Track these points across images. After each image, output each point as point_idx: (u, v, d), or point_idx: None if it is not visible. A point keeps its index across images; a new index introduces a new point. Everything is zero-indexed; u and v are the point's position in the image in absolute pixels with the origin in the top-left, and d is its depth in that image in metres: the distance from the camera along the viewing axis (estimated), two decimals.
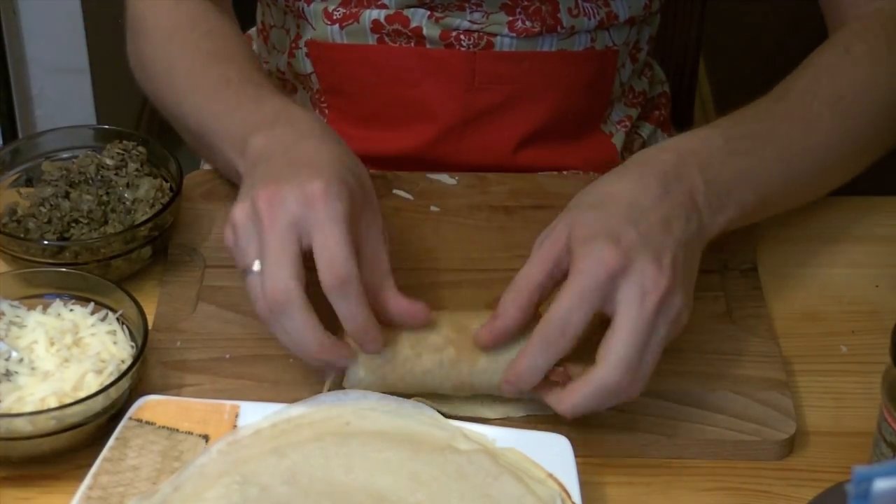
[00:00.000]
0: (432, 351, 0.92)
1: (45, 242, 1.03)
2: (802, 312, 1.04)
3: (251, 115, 1.01)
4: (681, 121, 1.47)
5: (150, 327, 0.95)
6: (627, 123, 1.32)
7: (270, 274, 0.88)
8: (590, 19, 1.22)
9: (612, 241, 0.89)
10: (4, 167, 1.09)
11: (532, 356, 0.88)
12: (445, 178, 1.16)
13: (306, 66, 1.26)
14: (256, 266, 0.89)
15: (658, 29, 1.34)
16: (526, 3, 1.20)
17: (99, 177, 1.08)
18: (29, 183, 1.10)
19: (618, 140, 1.30)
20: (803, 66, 1.09)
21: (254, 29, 1.41)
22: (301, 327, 0.88)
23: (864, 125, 1.07)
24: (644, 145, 1.34)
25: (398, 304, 0.92)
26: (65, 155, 1.11)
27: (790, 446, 0.93)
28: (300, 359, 0.92)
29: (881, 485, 0.61)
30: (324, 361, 0.91)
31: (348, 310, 0.89)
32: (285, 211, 0.89)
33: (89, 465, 0.87)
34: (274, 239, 0.88)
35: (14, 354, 0.93)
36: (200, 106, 1.07)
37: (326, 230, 0.88)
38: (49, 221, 1.04)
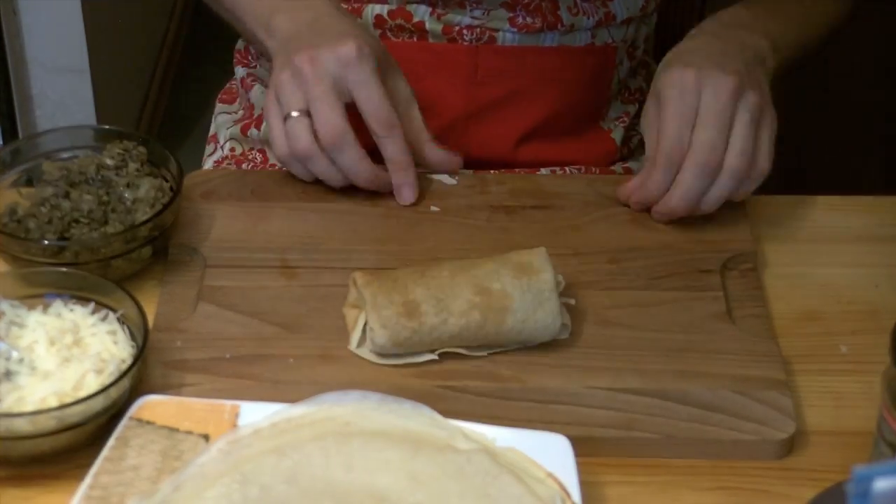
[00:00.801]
0: (458, 316, 0.96)
1: (46, 242, 1.03)
2: (802, 312, 1.04)
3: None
4: None
5: (150, 327, 0.95)
6: (626, 119, 1.33)
7: (324, 118, 1.06)
8: (589, 18, 1.23)
9: (683, 66, 1.07)
10: (5, 167, 1.09)
11: (658, 175, 1.07)
12: (445, 178, 1.16)
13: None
14: (296, 112, 1.06)
15: (656, 28, 1.35)
16: (526, 1, 1.21)
17: (99, 177, 1.08)
18: (29, 183, 1.10)
19: (617, 135, 1.31)
20: None
21: None
22: (356, 158, 1.08)
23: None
24: (642, 143, 1.34)
25: (434, 153, 1.13)
26: (65, 155, 1.11)
27: (790, 446, 0.93)
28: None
29: (881, 484, 0.61)
30: (375, 185, 1.10)
31: (394, 150, 1.09)
32: (326, 70, 1.06)
33: (89, 465, 0.87)
34: (320, 90, 1.06)
35: (14, 354, 0.93)
36: None
37: (368, 85, 1.07)
38: (49, 221, 1.04)
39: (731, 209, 1.13)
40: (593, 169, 1.28)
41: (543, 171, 1.26)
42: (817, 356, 1.01)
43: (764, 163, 1.08)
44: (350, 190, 1.13)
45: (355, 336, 0.99)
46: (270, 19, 1.13)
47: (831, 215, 1.15)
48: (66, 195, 1.06)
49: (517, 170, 1.25)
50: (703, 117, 1.05)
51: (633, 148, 1.34)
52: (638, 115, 1.35)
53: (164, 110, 2.63)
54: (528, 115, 1.26)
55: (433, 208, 1.13)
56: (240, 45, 1.39)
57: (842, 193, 1.17)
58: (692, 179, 1.06)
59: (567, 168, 1.27)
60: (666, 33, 1.44)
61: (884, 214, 1.15)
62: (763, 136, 1.08)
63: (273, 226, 1.11)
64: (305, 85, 1.06)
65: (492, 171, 1.21)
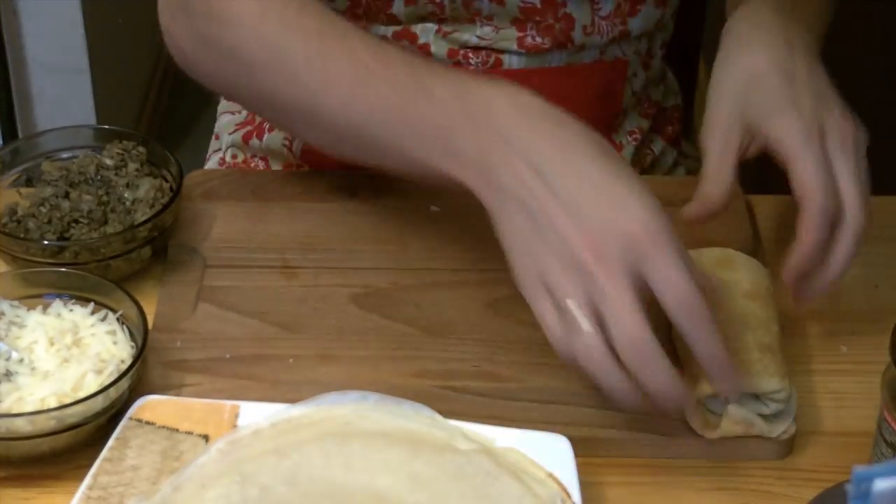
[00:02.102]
0: None
1: (46, 242, 1.03)
2: (802, 312, 1.04)
3: (435, 105, 0.92)
4: (686, 123, 1.47)
5: (150, 327, 0.95)
6: (638, 136, 1.30)
7: (622, 325, 0.84)
8: (603, 37, 1.21)
9: (790, 107, 1.01)
10: (4, 167, 1.09)
11: (813, 233, 0.98)
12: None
13: None
14: (573, 303, 0.84)
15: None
16: (538, 18, 1.19)
17: (99, 177, 1.08)
18: (29, 183, 1.10)
19: (627, 152, 1.29)
20: None
21: None
22: (666, 373, 0.85)
23: None
24: (655, 162, 1.33)
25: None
26: (65, 155, 1.11)
27: (790, 446, 0.93)
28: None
29: (881, 485, 0.61)
30: (680, 405, 0.88)
31: (710, 345, 0.86)
32: (616, 259, 0.84)
33: (89, 465, 0.87)
34: (613, 287, 0.84)
35: (14, 355, 0.93)
36: (349, 98, 0.96)
37: (673, 265, 0.85)
38: (49, 221, 1.04)
39: (730, 209, 1.13)
40: None
41: None
42: (817, 356, 1.01)
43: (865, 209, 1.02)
44: (350, 190, 1.13)
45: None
46: (454, 138, 0.91)
47: None
48: (66, 195, 1.06)
49: None
50: (840, 171, 1.00)
51: (645, 167, 1.31)
52: (652, 130, 1.33)
53: (164, 110, 2.63)
54: None
55: (433, 208, 1.13)
56: None
57: None
58: (848, 248, 0.99)
59: None
60: (683, 34, 1.42)
61: (884, 214, 1.15)
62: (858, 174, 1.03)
63: (273, 226, 1.11)
64: (593, 285, 0.84)
65: None
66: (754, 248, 1.09)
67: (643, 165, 1.32)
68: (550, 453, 0.87)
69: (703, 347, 0.86)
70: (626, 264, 0.84)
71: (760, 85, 1.03)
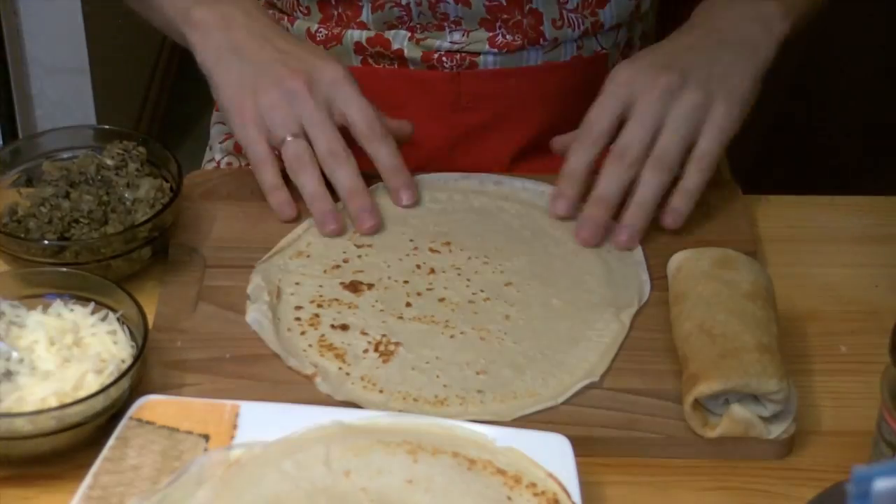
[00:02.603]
0: None
1: (46, 242, 1.03)
2: (802, 312, 1.04)
3: None
4: None
5: (150, 327, 0.95)
6: None
7: (327, 136, 1.09)
8: (574, 30, 1.21)
9: (627, 63, 1.11)
10: (5, 167, 1.09)
11: (572, 153, 1.09)
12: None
13: None
14: (290, 137, 1.09)
15: (656, 27, 1.33)
16: (506, 16, 1.19)
17: (99, 177, 1.08)
18: (29, 183, 1.10)
19: None
20: None
21: None
22: (354, 173, 1.09)
23: None
24: None
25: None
26: (65, 155, 1.11)
27: (790, 446, 0.93)
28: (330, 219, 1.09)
29: (881, 485, 0.61)
30: (362, 207, 1.09)
31: (388, 153, 1.10)
32: (319, 91, 1.10)
33: (89, 465, 0.87)
34: (318, 111, 1.09)
35: (15, 355, 0.93)
36: None
37: (358, 103, 1.10)
38: (49, 221, 1.04)
39: (730, 209, 1.13)
40: None
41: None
42: (817, 356, 1.01)
43: (706, 164, 1.09)
44: None
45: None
46: (190, 10, 1.15)
47: (831, 215, 1.15)
48: (66, 195, 1.06)
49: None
50: (631, 111, 1.08)
51: None
52: None
53: (164, 110, 2.64)
54: (516, 138, 1.24)
55: (431, 206, 1.13)
56: None
57: (842, 193, 1.17)
58: (609, 168, 1.08)
59: None
60: (664, 33, 1.43)
61: (884, 214, 1.15)
62: (703, 138, 1.08)
63: (273, 226, 1.11)
64: (302, 108, 1.09)
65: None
66: (754, 248, 1.09)
67: None
68: (550, 453, 0.87)
69: (382, 157, 1.11)
70: (327, 98, 1.10)
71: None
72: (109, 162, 1.08)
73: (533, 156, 1.26)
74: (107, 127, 1.14)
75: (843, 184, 1.23)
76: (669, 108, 1.08)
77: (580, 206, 1.10)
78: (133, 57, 2.52)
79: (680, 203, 1.08)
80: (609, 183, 1.08)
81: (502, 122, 1.24)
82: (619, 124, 1.09)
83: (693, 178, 1.08)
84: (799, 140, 2.10)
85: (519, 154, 1.26)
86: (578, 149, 1.09)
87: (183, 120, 2.55)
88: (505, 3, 1.18)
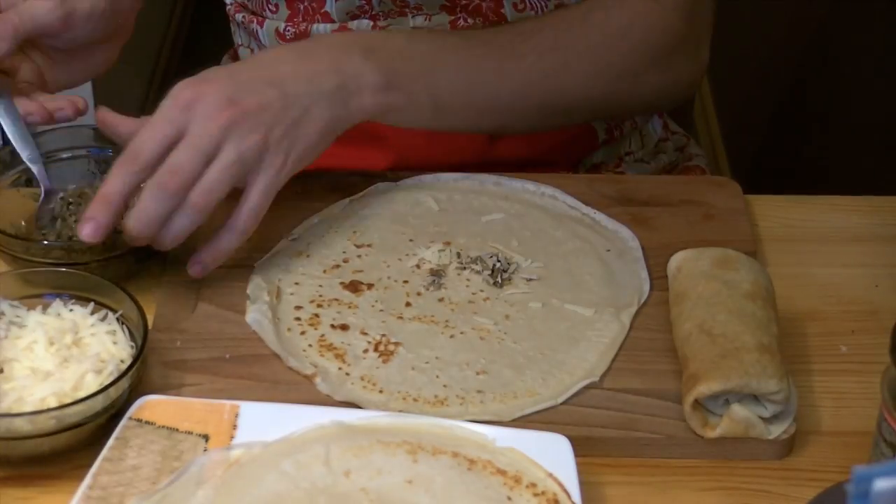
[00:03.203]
0: None
1: (46, 242, 1.03)
2: (802, 312, 1.04)
3: None
4: (680, 121, 1.47)
5: (150, 327, 0.95)
6: None
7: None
8: (537, 12, 1.19)
9: (190, 83, 1.01)
10: (5, 167, 1.09)
11: (113, 174, 0.98)
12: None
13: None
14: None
15: None
16: (465, 1, 1.18)
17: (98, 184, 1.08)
18: (29, 183, 1.10)
19: (598, 123, 1.28)
20: (540, 17, 1.13)
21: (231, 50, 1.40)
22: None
23: (569, 84, 1.12)
24: (636, 128, 1.32)
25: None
26: (64, 155, 1.11)
27: (790, 446, 0.93)
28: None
29: (881, 485, 0.61)
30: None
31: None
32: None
33: (89, 465, 0.87)
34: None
35: None
36: None
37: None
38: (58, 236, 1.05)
39: (730, 209, 1.13)
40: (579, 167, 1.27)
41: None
42: (817, 356, 1.01)
43: (246, 215, 1.01)
44: (349, 190, 1.14)
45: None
46: None
47: (831, 215, 1.15)
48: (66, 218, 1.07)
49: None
50: (183, 139, 0.99)
51: (616, 136, 1.30)
52: None
53: None
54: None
55: (433, 204, 1.13)
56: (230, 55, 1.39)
57: (842, 193, 1.17)
58: (148, 197, 0.97)
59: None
60: None
61: (884, 214, 1.15)
62: (255, 185, 1.01)
63: (273, 226, 1.10)
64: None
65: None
66: (754, 248, 1.09)
67: (621, 130, 1.30)
68: (550, 453, 0.87)
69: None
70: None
71: None
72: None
73: (510, 137, 1.24)
74: None
75: (843, 184, 1.23)
76: (223, 144, 0.99)
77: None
78: (133, 57, 2.52)
79: (208, 258, 1.02)
80: (149, 209, 0.98)
81: None
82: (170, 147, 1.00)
83: (241, 222, 1.02)
84: (799, 140, 2.10)
85: (494, 137, 1.24)
86: (119, 169, 0.99)
87: None
88: None
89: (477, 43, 1.10)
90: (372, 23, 1.19)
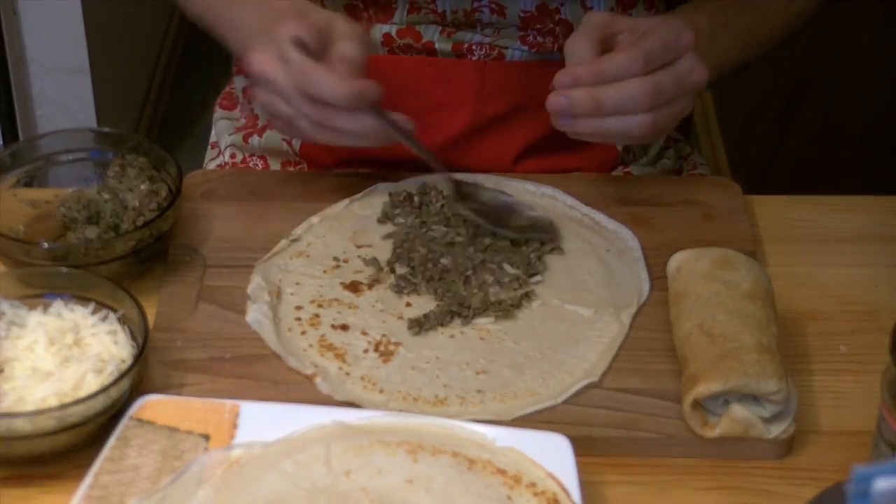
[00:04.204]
0: None
1: (46, 245, 1.03)
2: (802, 312, 1.04)
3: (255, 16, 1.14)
4: (680, 121, 1.47)
5: (150, 327, 0.95)
6: None
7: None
8: None
9: (689, 27, 1.08)
10: (4, 169, 1.09)
11: (617, 62, 1.05)
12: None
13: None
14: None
15: None
16: (539, 25, 1.20)
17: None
18: (29, 184, 1.10)
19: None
20: None
21: None
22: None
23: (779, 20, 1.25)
24: (644, 148, 1.32)
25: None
26: (64, 158, 1.11)
27: (790, 446, 0.93)
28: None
29: (881, 484, 0.61)
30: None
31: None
32: None
33: (89, 465, 0.87)
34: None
35: None
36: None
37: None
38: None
39: (730, 209, 1.13)
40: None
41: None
42: (817, 356, 1.01)
43: (659, 123, 1.07)
44: (350, 190, 1.14)
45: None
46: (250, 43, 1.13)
47: (831, 215, 1.15)
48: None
49: None
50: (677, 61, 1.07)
51: (635, 154, 1.31)
52: None
53: (163, 110, 2.63)
54: (531, 129, 1.24)
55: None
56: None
57: (842, 193, 1.17)
58: (627, 56, 1.05)
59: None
60: None
61: (884, 214, 1.15)
62: (678, 103, 1.08)
63: (273, 226, 1.11)
64: None
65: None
66: (754, 248, 1.09)
67: (633, 152, 1.30)
68: (550, 453, 0.87)
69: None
70: None
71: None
72: (111, 181, 1.08)
73: (537, 154, 1.25)
74: (107, 130, 1.14)
75: (843, 184, 1.23)
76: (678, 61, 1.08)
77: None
78: (133, 57, 2.52)
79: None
80: (618, 66, 1.06)
81: (520, 114, 1.23)
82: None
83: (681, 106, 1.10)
84: (799, 140, 2.10)
85: (528, 149, 1.25)
86: (622, 60, 1.06)
87: (183, 120, 2.55)
88: (536, 14, 1.19)
89: (744, 13, 1.22)
90: (440, 28, 1.20)
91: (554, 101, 1.05)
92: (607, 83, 1.05)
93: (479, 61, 1.21)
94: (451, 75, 1.22)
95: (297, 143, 1.26)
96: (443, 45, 1.21)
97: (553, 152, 1.25)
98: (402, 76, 1.20)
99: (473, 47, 1.21)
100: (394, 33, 1.20)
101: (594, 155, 1.27)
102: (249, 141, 1.30)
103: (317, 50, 1.06)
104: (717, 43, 1.16)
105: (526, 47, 1.20)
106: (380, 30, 1.21)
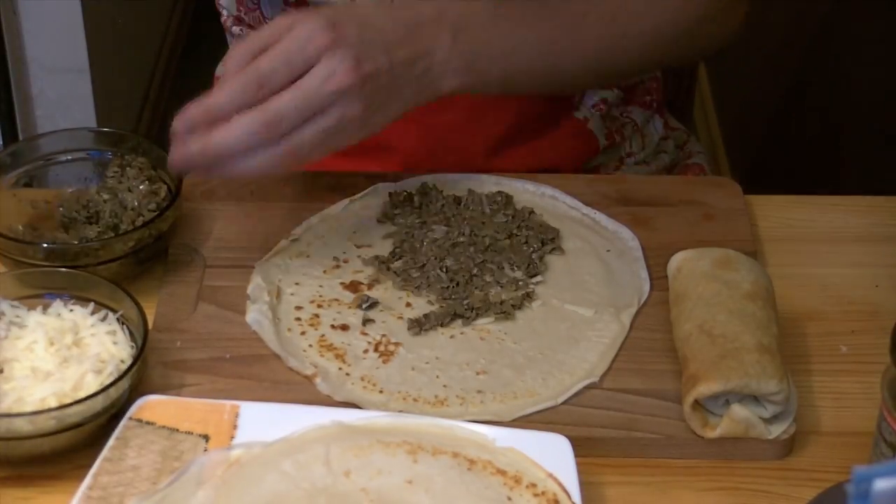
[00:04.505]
0: None
1: (45, 245, 1.03)
2: (802, 312, 1.04)
3: None
4: (681, 120, 1.47)
5: (150, 327, 0.95)
6: (603, 107, 1.28)
7: None
8: None
9: (330, 25, 0.97)
10: (4, 169, 1.09)
11: (227, 92, 0.96)
12: None
13: None
14: None
15: None
16: None
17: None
18: (29, 184, 1.10)
19: (595, 125, 1.27)
20: None
21: None
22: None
23: (636, 44, 1.13)
24: (637, 130, 1.32)
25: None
26: (64, 157, 1.11)
27: (790, 446, 0.93)
28: None
29: (881, 485, 0.61)
30: None
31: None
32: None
33: (89, 465, 0.87)
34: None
35: None
36: None
37: None
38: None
39: (730, 209, 1.13)
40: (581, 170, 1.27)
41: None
42: (817, 356, 1.01)
43: (290, 147, 0.97)
44: (350, 190, 1.14)
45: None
46: None
47: (831, 215, 1.15)
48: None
49: None
50: (306, 77, 0.97)
51: (617, 141, 1.30)
52: (628, 102, 1.31)
53: (163, 110, 2.63)
54: (492, 130, 1.22)
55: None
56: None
57: (842, 193, 1.17)
58: (241, 126, 0.96)
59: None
60: None
61: (884, 214, 1.15)
62: (323, 120, 0.98)
63: (273, 226, 1.11)
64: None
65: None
66: (754, 248, 1.09)
67: (622, 133, 1.30)
68: (550, 453, 0.87)
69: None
70: None
71: None
72: (111, 181, 1.08)
73: (508, 149, 1.24)
74: (106, 130, 1.14)
75: (843, 184, 1.23)
76: (330, 107, 0.98)
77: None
78: (133, 57, 2.52)
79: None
80: (231, 95, 0.97)
81: (475, 119, 1.22)
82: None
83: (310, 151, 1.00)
84: (799, 140, 2.10)
85: (494, 148, 1.24)
86: (234, 80, 0.97)
87: None
88: None
89: (548, 15, 1.10)
90: None
91: (171, 157, 0.99)
92: (220, 121, 0.96)
93: None
94: None
95: None
96: None
97: (524, 142, 1.23)
98: None
99: None
100: None
101: (571, 138, 1.25)
102: None
103: None
104: (500, 38, 1.07)
105: None
106: None
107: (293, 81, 0.97)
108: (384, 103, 1.01)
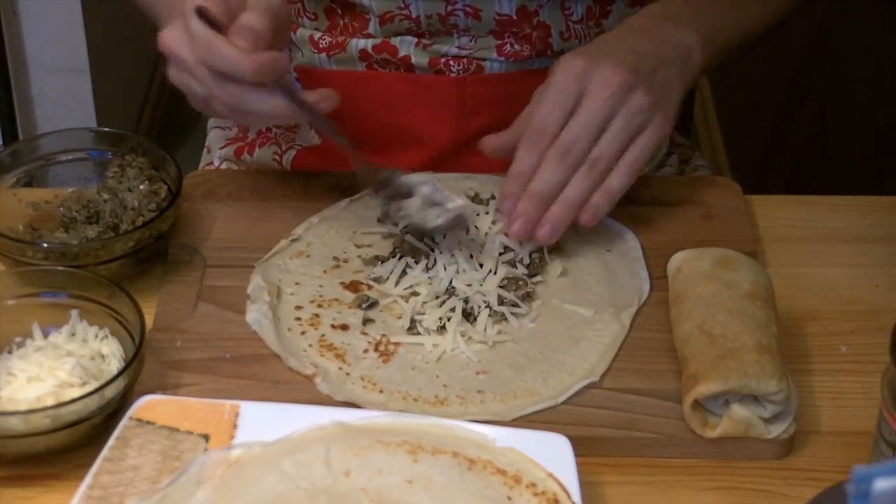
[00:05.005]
0: None
1: (45, 245, 1.03)
2: (802, 312, 1.04)
3: None
4: (680, 121, 1.47)
5: (150, 327, 0.95)
6: None
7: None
8: (581, 41, 1.21)
9: (578, 54, 1.06)
10: (4, 169, 1.09)
11: (522, 153, 1.04)
12: None
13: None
14: None
15: None
16: (515, 29, 1.19)
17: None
18: (29, 184, 1.10)
19: None
20: None
21: None
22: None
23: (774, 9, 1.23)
24: None
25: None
26: (64, 157, 1.11)
27: (790, 446, 0.93)
28: None
29: (881, 485, 0.61)
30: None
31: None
32: None
33: (89, 465, 0.87)
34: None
35: None
36: None
37: None
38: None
39: (730, 209, 1.13)
40: None
41: None
42: (817, 356, 1.01)
43: (618, 177, 1.05)
44: (350, 190, 1.14)
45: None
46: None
47: (831, 215, 1.15)
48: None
49: None
50: (580, 107, 1.04)
51: None
52: None
53: (164, 110, 2.63)
54: None
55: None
56: None
57: (842, 193, 1.17)
58: (551, 165, 1.04)
59: None
60: None
61: (884, 214, 1.15)
62: (637, 145, 1.06)
63: (273, 226, 1.11)
64: None
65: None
66: (754, 248, 1.09)
67: None
68: (550, 453, 0.87)
69: None
70: None
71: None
72: (111, 181, 1.08)
73: None
74: (106, 130, 1.14)
75: (843, 184, 1.23)
76: (616, 111, 1.04)
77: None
78: (133, 57, 2.52)
79: (601, 200, 1.05)
80: (549, 179, 1.04)
81: (505, 126, 1.23)
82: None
83: (619, 180, 1.05)
84: (799, 140, 2.10)
85: None
86: (530, 148, 1.05)
87: (183, 120, 2.55)
88: (515, 17, 1.18)
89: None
90: (416, 40, 1.20)
91: (513, 230, 1.04)
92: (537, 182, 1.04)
93: (458, 77, 1.21)
94: (430, 93, 1.21)
95: (287, 160, 1.26)
96: (420, 58, 1.20)
97: None
98: (382, 93, 1.20)
99: (451, 62, 1.20)
100: (370, 49, 1.20)
101: None
102: (242, 157, 1.30)
103: (225, 22, 0.99)
104: (696, 14, 1.14)
105: (503, 58, 1.20)
106: (356, 46, 1.20)
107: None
108: (663, 80, 1.07)
